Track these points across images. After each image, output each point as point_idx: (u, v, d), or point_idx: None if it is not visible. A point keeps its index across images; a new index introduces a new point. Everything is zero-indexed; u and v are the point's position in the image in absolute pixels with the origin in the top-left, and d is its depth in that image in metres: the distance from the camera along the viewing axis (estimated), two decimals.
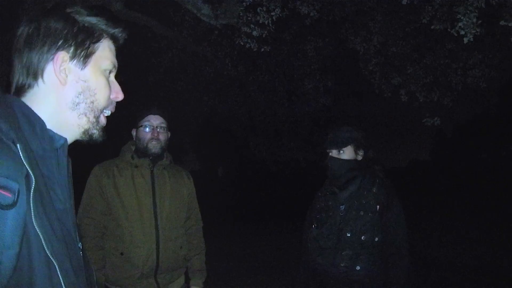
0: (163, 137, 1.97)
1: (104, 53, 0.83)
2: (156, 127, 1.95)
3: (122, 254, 1.86)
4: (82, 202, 1.92)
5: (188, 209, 2.10)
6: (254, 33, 3.27)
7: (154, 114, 1.97)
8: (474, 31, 2.50)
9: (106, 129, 0.85)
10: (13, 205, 0.57)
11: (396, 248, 1.99)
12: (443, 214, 11.34)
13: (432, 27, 3.12)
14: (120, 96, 0.87)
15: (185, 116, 5.37)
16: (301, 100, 5.56)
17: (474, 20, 2.48)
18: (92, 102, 0.80)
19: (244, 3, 3.13)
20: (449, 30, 3.00)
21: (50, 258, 0.64)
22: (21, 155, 0.63)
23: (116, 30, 0.84)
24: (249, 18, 3.19)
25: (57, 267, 0.66)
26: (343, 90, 6.08)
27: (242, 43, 3.48)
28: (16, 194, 0.58)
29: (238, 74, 4.91)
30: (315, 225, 2.14)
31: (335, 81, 5.46)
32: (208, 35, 4.33)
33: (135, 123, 1.98)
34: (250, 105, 5.57)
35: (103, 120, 0.84)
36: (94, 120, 0.81)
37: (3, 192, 0.56)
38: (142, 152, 1.96)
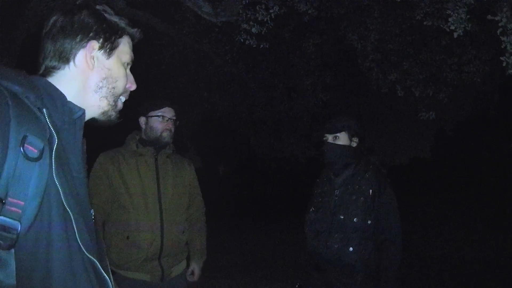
0: (174, 128, 2.11)
1: (125, 48, 0.96)
2: (170, 118, 2.07)
3: (128, 238, 1.95)
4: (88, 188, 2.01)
5: (190, 195, 2.21)
6: (253, 30, 3.38)
7: (169, 106, 2.09)
8: (463, 26, 2.59)
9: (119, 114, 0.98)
10: (38, 159, 0.67)
11: (388, 234, 2.07)
12: (444, 211, 11.38)
13: (425, 23, 3.22)
14: (133, 86, 1.00)
15: (186, 112, 5.47)
16: (300, 96, 5.65)
17: (463, 15, 2.57)
18: (113, 88, 0.93)
19: (243, 1, 3.24)
20: (442, 26, 3.10)
21: (67, 210, 0.72)
22: (46, 119, 0.73)
23: (134, 30, 0.98)
24: (248, 15, 3.30)
25: (72, 219, 0.74)
26: (342, 86, 6.17)
27: (241, 40, 3.57)
28: (41, 151, 0.68)
29: (238, 71, 5.01)
30: (313, 209, 2.25)
31: (334, 77, 5.55)
32: (209, 33, 4.44)
33: (145, 111, 2.08)
34: (250, 101, 5.67)
35: (120, 105, 0.97)
36: (113, 103, 0.94)
37: (30, 148, 0.66)
38: (151, 140, 2.06)
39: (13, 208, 0.64)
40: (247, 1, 3.23)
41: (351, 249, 2.04)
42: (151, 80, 5.03)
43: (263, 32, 3.45)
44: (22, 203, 0.64)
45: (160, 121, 2.05)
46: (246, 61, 5.01)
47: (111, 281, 0.85)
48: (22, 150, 0.65)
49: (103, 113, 0.92)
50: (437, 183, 15.91)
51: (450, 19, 2.70)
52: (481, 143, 16.48)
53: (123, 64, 0.96)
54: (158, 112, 2.06)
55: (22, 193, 0.65)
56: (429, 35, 4.36)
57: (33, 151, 0.66)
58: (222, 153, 10.22)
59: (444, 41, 4.26)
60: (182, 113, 5.32)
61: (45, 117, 0.73)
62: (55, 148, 0.72)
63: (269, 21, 3.36)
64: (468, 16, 2.59)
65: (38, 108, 0.72)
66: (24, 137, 0.66)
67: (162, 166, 2.08)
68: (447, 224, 9.34)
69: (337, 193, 2.17)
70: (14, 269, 0.65)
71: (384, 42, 4.55)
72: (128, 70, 0.99)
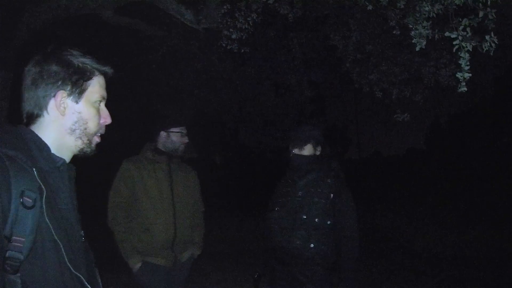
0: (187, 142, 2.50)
1: (95, 89, 1.03)
2: (185, 134, 2.47)
3: (148, 230, 2.35)
4: (112, 188, 2.40)
5: (194, 196, 2.60)
6: (234, 36, 3.58)
7: (184, 125, 2.49)
8: (423, 41, 2.78)
9: (101, 144, 1.09)
10: (32, 207, 0.86)
11: (347, 232, 2.33)
12: (438, 203, 11.40)
13: (394, 32, 3.40)
14: (108, 121, 1.08)
15: (177, 108, 5.72)
16: (287, 93, 5.86)
17: (422, 30, 2.75)
18: (85, 129, 1.02)
19: (223, 9, 3.43)
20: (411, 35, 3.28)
21: (56, 240, 0.91)
22: (36, 175, 0.90)
23: (106, 67, 1.06)
24: (228, 22, 3.50)
25: (61, 246, 0.91)
26: (329, 83, 6.36)
27: (224, 45, 3.78)
28: (34, 200, 0.87)
29: (225, 69, 5.23)
30: (277, 208, 2.48)
31: (319, 74, 5.75)
32: (195, 34, 4.63)
33: (167, 127, 2.44)
34: (238, 97, 5.89)
35: (96, 140, 1.06)
36: (87, 141, 1.04)
37: (27, 199, 0.86)
38: (167, 151, 2.44)
39: (16, 244, 0.84)
40: (226, 10, 3.42)
41: (312, 245, 2.30)
42: (143, 79, 5.27)
43: (243, 38, 3.65)
44: (23, 239, 0.84)
45: (179, 136, 2.44)
46: (233, 60, 5.21)
47: None
48: (21, 201, 0.85)
49: (80, 150, 1.04)
50: (432, 173, 16.10)
51: (412, 32, 2.90)
52: (475, 135, 16.59)
53: (93, 103, 1.03)
54: (179, 129, 2.44)
55: (22, 232, 0.84)
56: (407, 37, 4.50)
57: (29, 201, 0.86)
58: (216, 144, 10.52)
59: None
60: (171, 109, 5.57)
61: (34, 174, 0.90)
62: (45, 196, 0.90)
63: (248, 28, 3.57)
64: (428, 31, 2.78)
65: (29, 166, 0.90)
66: (22, 192, 0.85)
67: (174, 171, 2.47)
68: (440, 217, 9.33)
69: (300, 194, 2.40)
70: (21, 287, 0.84)
71: (365, 43, 4.72)
72: (102, 105, 1.07)
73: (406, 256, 6.24)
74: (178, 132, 2.44)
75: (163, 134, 2.45)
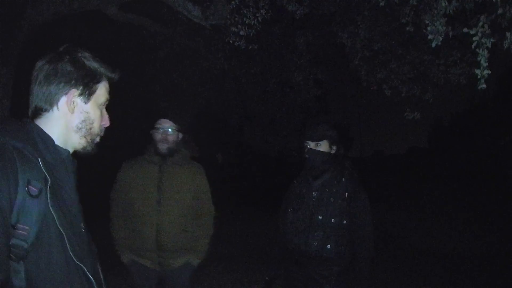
0: (171, 138, 2.29)
1: (101, 92, 1.10)
2: (165, 130, 2.28)
3: (133, 230, 2.31)
4: (113, 188, 2.43)
5: (198, 199, 2.42)
6: (242, 33, 3.50)
7: (164, 118, 2.30)
8: (440, 38, 2.69)
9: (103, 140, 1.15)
10: (38, 196, 0.89)
11: (362, 231, 2.29)
12: (440, 201, 11.41)
13: (407, 28, 3.32)
14: (107, 123, 1.15)
15: (182, 106, 5.64)
16: (293, 91, 5.77)
17: (440, 27, 2.67)
18: (91, 128, 1.09)
19: (231, 5, 3.34)
20: (424, 31, 3.20)
21: (60, 230, 0.94)
22: (41, 165, 0.94)
23: (113, 73, 1.12)
24: (236, 19, 3.41)
25: (65, 236, 0.95)
26: (335, 82, 6.28)
27: (231, 42, 3.70)
28: (40, 190, 0.90)
29: (231, 67, 5.14)
30: (291, 209, 2.42)
31: (326, 73, 5.65)
32: (201, 31, 4.54)
33: (153, 126, 2.34)
34: (243, 96, 5.81)
35: (97, 139, 1.13)
36: (91, 141, 1.10)
37: (32, 188, 0.89)
38: (155, 150, 2.33)
39: (21, 232, 0.87)
40: (235, 5, 3.33)
41: (329, 246, 2.25)
42: (146, 76, 5.18)
43: (251, 34, 3.57)
44: (28, 228, 0.87)
45: (157, 133, 2.28)
46: (239, 57, 5.12)
47: (96, 282, 1.03)
48: (27, 189, 0.88)
49: (83, 148, 1.10)
50: (434, 172, 16.07)
51: (428, 29, 2.81)
52: (478, 134, 16.56)
53: (99, 106, 1.10)
54: (156, 125, 2.30)
55: (28, 220, 0.87)
56: (418, 34, 4.42)
57: (34, 190, 0.89)
58: (219, 143, 10.44)
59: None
60: (174, 108, 5.49)
61: (40, 164, 0.94)
62: (50, 186, 0.93)
63: (256, 24, 3.48)
64: (444, 28, 2.69)
65: (35, 157, 0.94)
66: (28, 181, 0.88)
67: (167, 172, 2.32)
68: (443, 216, 9.29)
69: (315, 195, 2.35)
70: (24, 275, 0.87)
71: (373, 41, 4.63)
72: (103, 109, 1.13)
73: (408, 254, 6.20)
74: (156, 128, 2.30)
75: (152, 133, 2.36)
